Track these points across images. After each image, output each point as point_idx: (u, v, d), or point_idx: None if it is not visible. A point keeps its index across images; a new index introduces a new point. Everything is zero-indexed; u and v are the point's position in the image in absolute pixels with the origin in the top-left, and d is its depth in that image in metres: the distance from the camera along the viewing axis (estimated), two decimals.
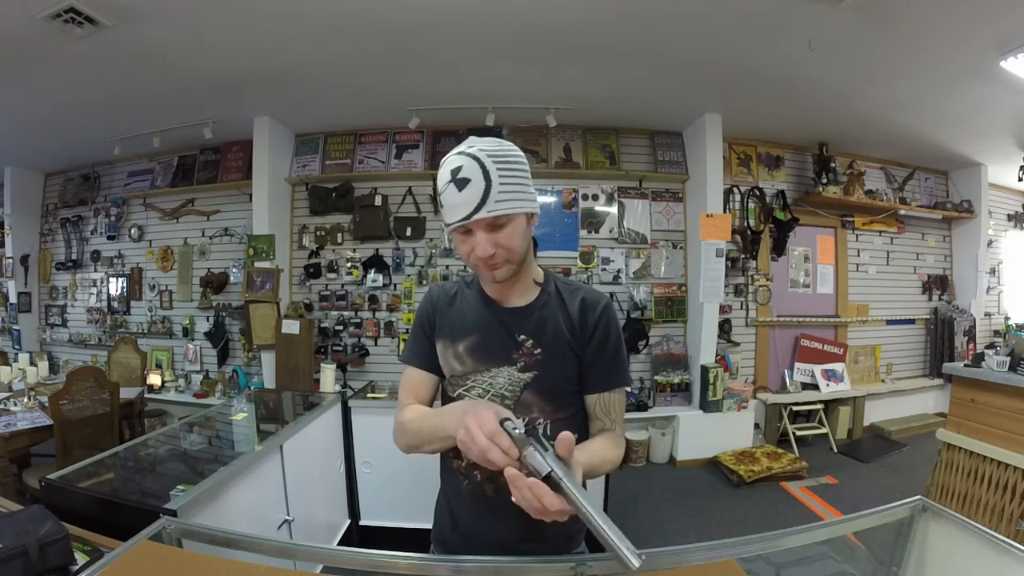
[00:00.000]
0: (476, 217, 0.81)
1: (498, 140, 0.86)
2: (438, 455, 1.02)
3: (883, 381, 4.77)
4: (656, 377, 4.05)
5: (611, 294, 4.08)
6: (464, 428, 0.69)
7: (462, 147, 0.84)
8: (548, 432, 0.90)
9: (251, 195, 3.89)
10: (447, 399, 0.99)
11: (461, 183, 0.81)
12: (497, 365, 0.93)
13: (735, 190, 4.27)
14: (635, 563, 0.55)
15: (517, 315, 0.95)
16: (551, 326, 0.94)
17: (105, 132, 3.89)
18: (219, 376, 4.28)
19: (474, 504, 0.96)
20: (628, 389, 0.90)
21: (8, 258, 4.81)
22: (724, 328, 4.17)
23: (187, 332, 4.40)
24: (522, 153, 0.89)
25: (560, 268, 4.05)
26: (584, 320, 0.93)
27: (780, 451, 3.79)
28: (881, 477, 3.62)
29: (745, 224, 4.27)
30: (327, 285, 4.12)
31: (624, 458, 3.95)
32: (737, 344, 4.29)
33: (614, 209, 4.15)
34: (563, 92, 3.45)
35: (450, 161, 0.83)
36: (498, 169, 0.81)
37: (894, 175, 4.83)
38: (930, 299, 5.03)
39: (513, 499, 0.64)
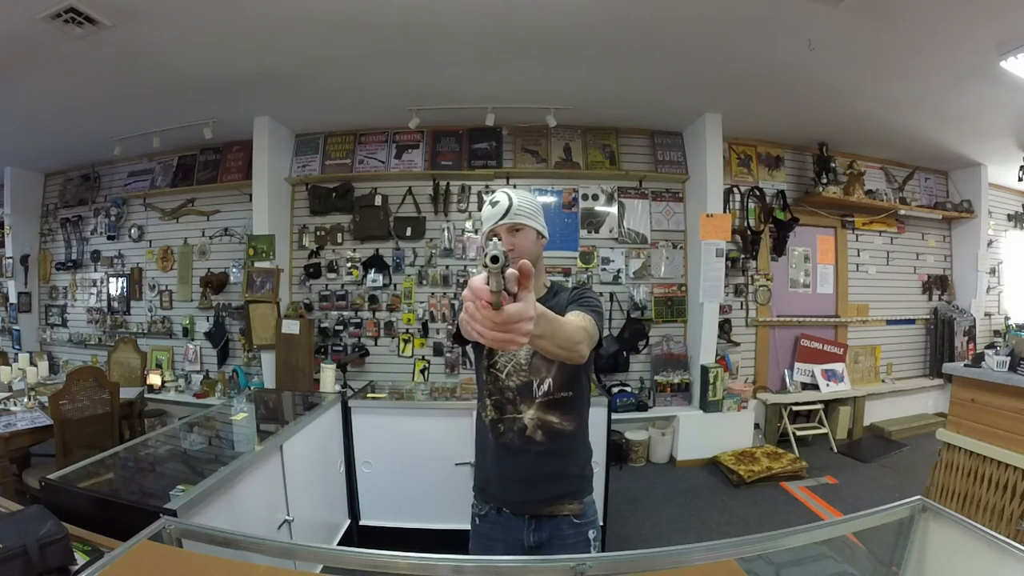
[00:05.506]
0: (502, 222, 1.23)
1: (523, 191, 1.33)
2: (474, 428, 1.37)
3: (883, 381, 4.77)
4: (656, 377, 4.05)
5: (611, 294, 4.09)
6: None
7: (500, 190, 1.31)
8: (552, 392, 1.23)
9: (251, 195, 3.89)
10: (480, 368, 1.29)
11: (494, 203, 1.25)
12: None
13: (735, 190, 4.27)
14: None
15: None
16: (554, 309, 1.13)
17: (105, 132, 3.89)
18: (219, 376, 4.28)
19: (498, 451, 1.26)
20: (602, 340, 1.19)
21: (8, 258, 4.81)
22: (724, 328, 4.17)
23: (187, 332, 4.40)
24: (538, 200, 1.31)
25: (560, 268, 4.06)
26: (571, 293, 1.28)
27: (780, 451, 3.79)
28: (881, 477, 3.61)
29: (745, 224, 4.27)
30: (327, 285, 4.12)
31: (624, 458, 3.93)
32: (737, 344, 4.29)
33: (614, 209, 4.15)
34: (563, 92, 3.45)
35: (492, 196, 1.28)
36: (518, 200, 1.24)
37: (894, 175, 4.83)
38: (930, 299, 5.02)
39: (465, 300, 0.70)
